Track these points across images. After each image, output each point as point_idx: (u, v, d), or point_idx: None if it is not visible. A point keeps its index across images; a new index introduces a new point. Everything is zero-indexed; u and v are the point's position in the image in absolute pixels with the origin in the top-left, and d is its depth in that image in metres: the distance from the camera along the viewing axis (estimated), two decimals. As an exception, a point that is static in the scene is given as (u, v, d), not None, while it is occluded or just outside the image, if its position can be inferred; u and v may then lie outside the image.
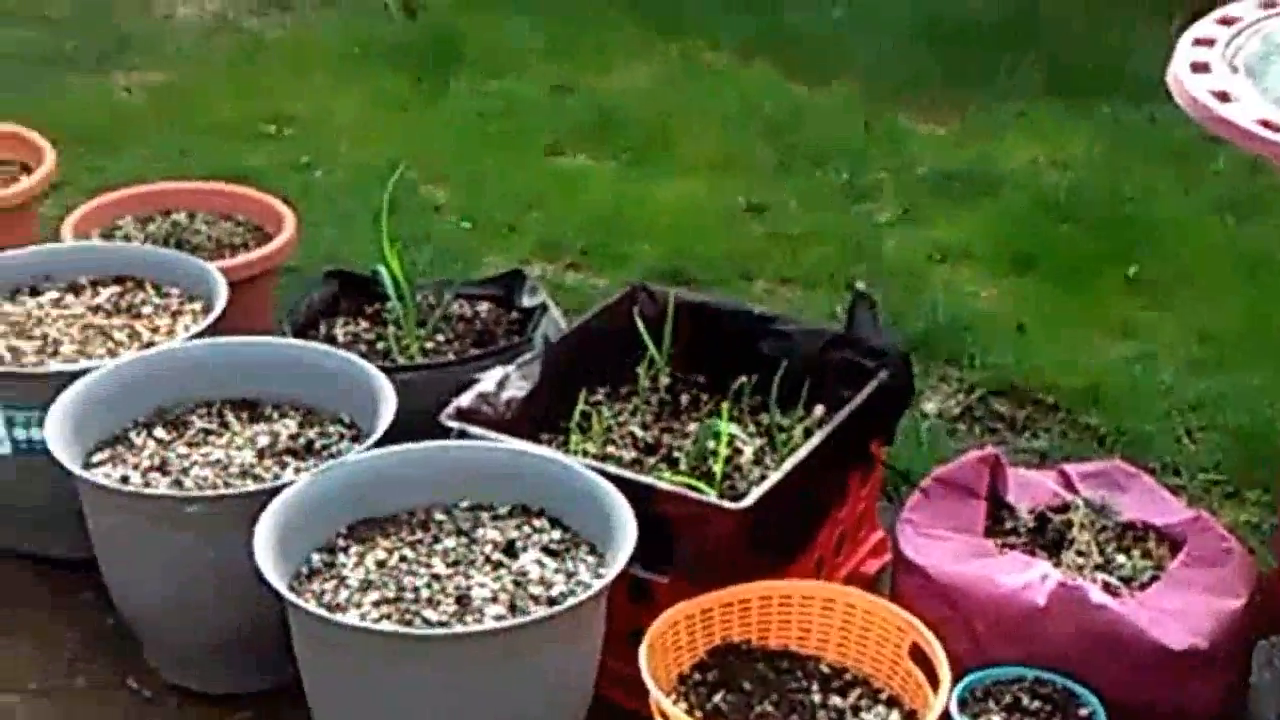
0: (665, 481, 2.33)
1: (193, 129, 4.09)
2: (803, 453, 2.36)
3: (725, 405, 2.52)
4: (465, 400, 2.45)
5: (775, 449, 2.50)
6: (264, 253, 3.06)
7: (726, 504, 2.26)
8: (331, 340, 2.79)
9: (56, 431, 2.41)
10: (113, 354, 2.67)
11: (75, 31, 4.58)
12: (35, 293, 2.85)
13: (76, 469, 2.38)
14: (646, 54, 4.58)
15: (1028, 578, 2.30)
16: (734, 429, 2.44)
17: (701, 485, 2.34)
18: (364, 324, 2.87)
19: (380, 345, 2.80)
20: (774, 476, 2.31)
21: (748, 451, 2.48)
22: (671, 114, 4.24)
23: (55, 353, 2.68)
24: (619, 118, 4.20)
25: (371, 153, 3.98)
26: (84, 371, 2.54)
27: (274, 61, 4.48)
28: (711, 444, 2.45)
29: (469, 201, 3.82)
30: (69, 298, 2.85)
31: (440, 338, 2.83)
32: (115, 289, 2.87)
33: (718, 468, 2.41)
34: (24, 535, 2.72)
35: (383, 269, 2.79)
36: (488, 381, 2.50)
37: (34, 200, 3.25)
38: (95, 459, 2.47)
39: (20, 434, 2.58)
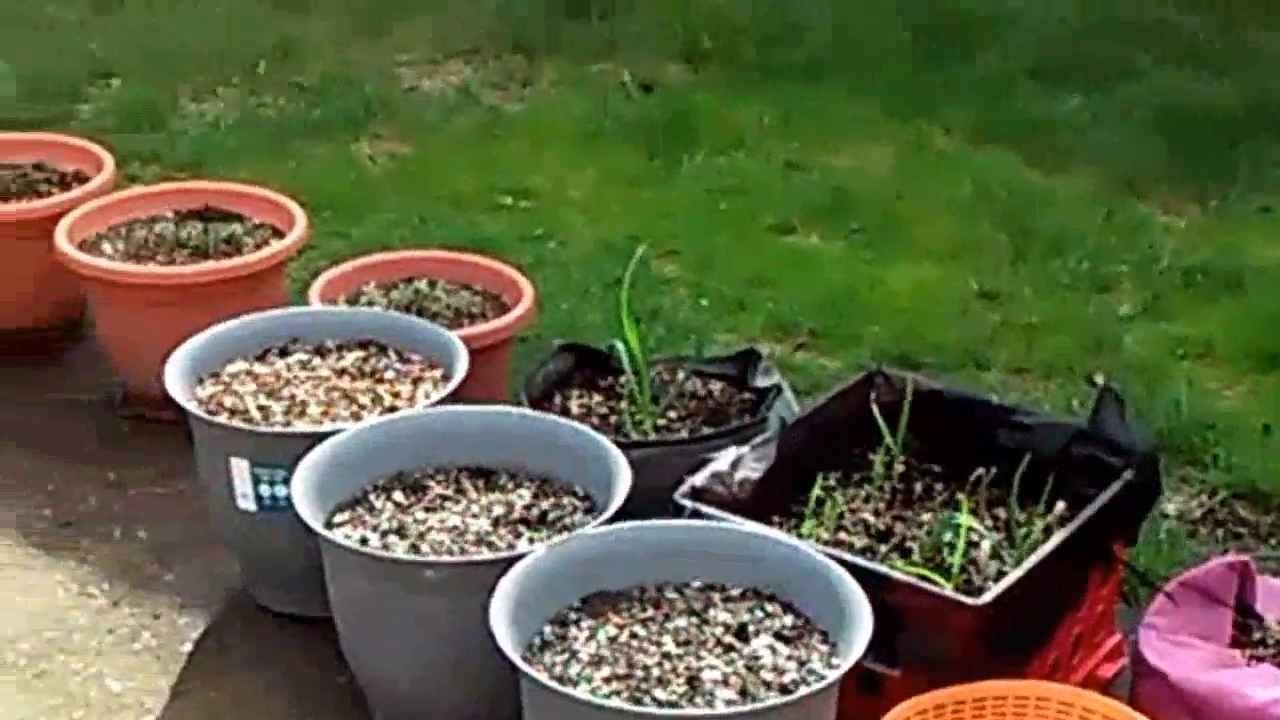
0: (899, 571, 2.30)
1: (432, 198, 4.18)
2: (1045, 550, 2.30)
3: (963, 497, 2.48)
4: (699, 479, 2.45)
5: (1013, 544, 2.44)
6: (503, 323, 3.11)
7: (965, 599, 2.21)
8: (565, 412, 2.82)
9: (301, 490, 2.48)
10: (356, 417, 2.73)
11: (324, 100, 4.74)
12: (284, 354, 2.94)
13: (319, 528, 2.43)
14: (878, 135, 4.56)
15: (1278, 693, 2.21)
16: (972, 522, 2.40)
17: (937, 577, 2.30)
18: (597, 397, 2.90)
19: (613, 420, 2.82)
20: (1014, 573, 2.26)
21: (985, 545, 2.43)
22: (903, 196, 4.21)
23: (302, 413, 2.75)
24: (850, 198, 4.18)
25: (605, 227, 4.03)
26: (329, 433, 2.61)
27: (513, 135, 4.57)
28: (948, 536, 2.40)
29: (699, 278, 3.84)
30: (316, 360, 2.92)
31: (673, 414, 2.84)
32: (360, 353, 2.94)
33: (955, 560, 2.36)
34: (262, 589, 2.80)
35: (619, 343, 2.81)
36: (722, 461, 2.49)
37: (284, 263, 3.36)
38: (336, 519, 2.52)
39: (265, 491, 2.65)
